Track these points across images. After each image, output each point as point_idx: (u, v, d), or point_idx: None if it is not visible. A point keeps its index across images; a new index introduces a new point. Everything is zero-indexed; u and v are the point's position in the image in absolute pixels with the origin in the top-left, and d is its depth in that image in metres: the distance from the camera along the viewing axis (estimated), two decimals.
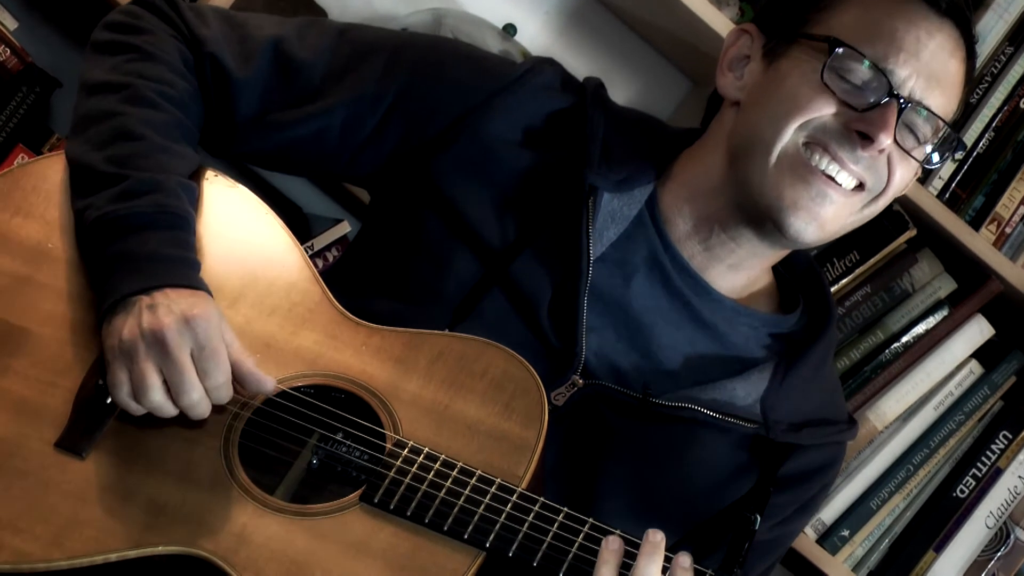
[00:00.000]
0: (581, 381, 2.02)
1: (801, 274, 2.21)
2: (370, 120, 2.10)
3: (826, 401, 2.16)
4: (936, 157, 2.03)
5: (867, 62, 1.95)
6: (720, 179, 2.05)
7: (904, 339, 2.79)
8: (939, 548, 2.78)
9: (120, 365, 1.84)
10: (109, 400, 1.87)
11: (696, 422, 2.02)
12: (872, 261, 2.78)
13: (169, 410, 1.84)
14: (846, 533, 2.75)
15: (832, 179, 1.97)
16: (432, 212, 2.07)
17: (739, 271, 2.10)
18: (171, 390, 1.83)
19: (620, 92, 3.06)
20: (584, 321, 2.01)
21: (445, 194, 2.07)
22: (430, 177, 2.08)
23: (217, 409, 1.88)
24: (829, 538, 2.75)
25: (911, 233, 2.77)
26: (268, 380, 1.87)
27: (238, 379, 1.86)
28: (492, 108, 2.09)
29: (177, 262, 1.89)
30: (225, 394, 1.85)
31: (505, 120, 2.09)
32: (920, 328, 2.80)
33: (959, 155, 2.62)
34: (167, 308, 1.83)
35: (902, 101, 1.95)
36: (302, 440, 1.91)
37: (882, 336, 2.79)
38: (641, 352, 2.06)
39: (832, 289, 2.74)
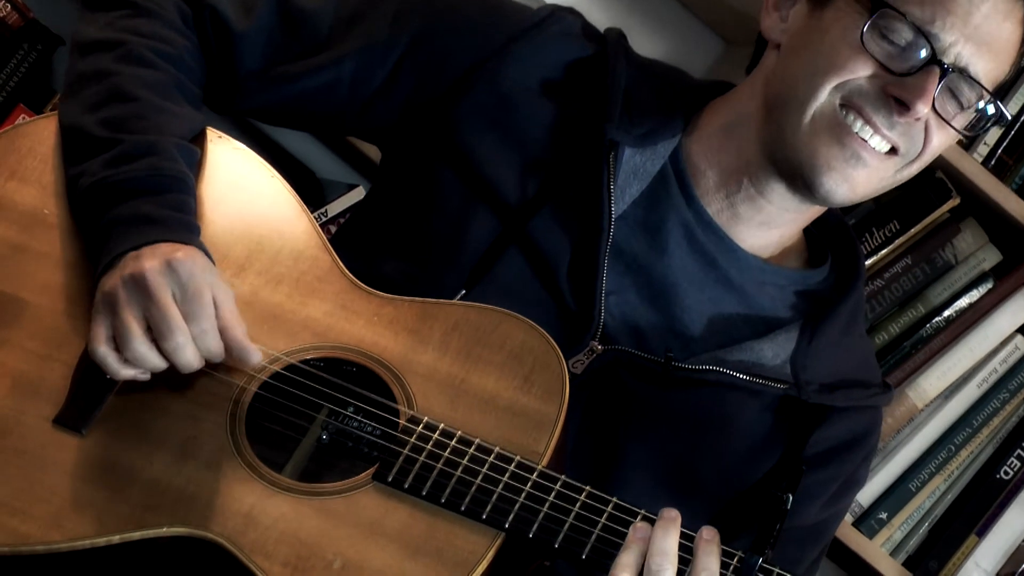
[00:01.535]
0: (600, 347, 2.02)
1: (831, 229, 2.21)
2: (381, 71, 2.11)
3: (858, 363, 2.16)
4: (979, 125, 2.02)
5: (911, 24, 1.95)
6: (755, 127, 2.05)
7: (946, 313, 2.79)
8: (981, 532, 2.78)
9: (100, 317, 1.84)
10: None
11: (723, 385, 2.02)
12: (913, 231, 2.78)
13: (154, 361, 1.83)
14: (884, 516, 2.75)
15: (866, 141, 1.97)
16: (447, 167, 2.08)
17: (770, 228, 2.10)
18: (154, 335, 1.82)
19: (648, 51, 3.03)
20: (604, 283, 2.02)
21: (460, 147, 2.07)
22: (444, 129, 2.08)
23: (222, 384, 1.88)
24: (866, 521, 2.75)
25: (954, 202, 2.76)
26: (254, 352, 1.86)
27: (226, 347, 1.86)
28: (509, 55, 2.09)
29: (172, 223, 1.89)
30: (212, 342, 1.84)
31: (522, 68, 2.10)
32: (963, 301, 2.80)
33: (1001, 125, 2.60)
34: (151, 254, 1.83)
35: (945, 67, 1.94)
36: (311, 415, 1.91)
37: (923, 310, 2.79)
38: (663, 314, 2.06)
39: (871, 260, 2.75)
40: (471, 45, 2.10)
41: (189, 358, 1.83)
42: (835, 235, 2.20)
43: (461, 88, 2.08)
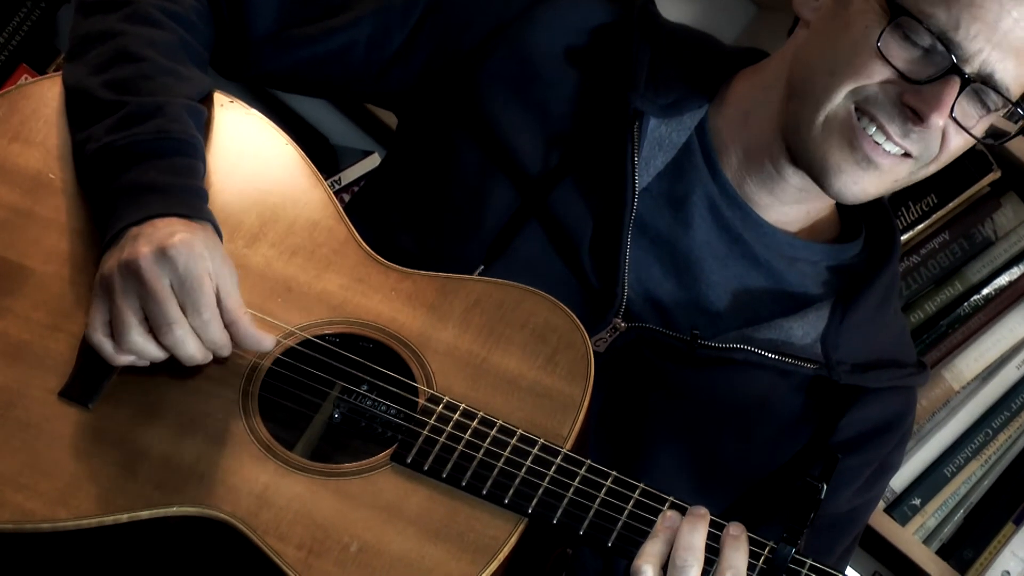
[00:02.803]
0: (623, 324, 2.03)
1: (866, 202, 2.19)
2: (398, 34, 2.11)
3: (892, 342, 2.16)
4: (1003, 133, 2.01)
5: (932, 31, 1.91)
6: (777, 107, 2.04)
7: (985, 291, 2.80)
8: (1019, 520, 2.78)
9: (98, 303, 1.84)
10: None
11: (750, 364, 2.03)
12: (951, 206, 2.78)
13: (153, 352, 1.83)
14: (917, 502, 2.76)
15: (879, 145, 1.95)
16: (466, 134, 2.08)
17: (794, 204, 2.10)
18: (152, 328, 1.82)
19: (677, 16, 3.04)
20: (627, 258, 2.02)
21: (480, 114, 2.07)
22: (464, 95, 2.09)
23: (235, 358, 1.89)
24: (899, 507, 2.76)
25: (995, 175, 2.77)
26: (267, 338, 1.87)
27: (234, 340, 1.86)
28: (532, 19, 2.10)
29: (179, 190, 1.89)
30: (216, 333, 1.83)
31: (546, 33, 2.10)
32: (1003, 279, 2.80)
33: None
34: (147, 238, 1.82)
35: (967, 76, 1.90)
36: (324, 392, 1.92)
37: (961, 288, 2.79)
38: (688, 291, 2.07)
39: (907, 236, 2.75)
40: (493, 7, 2.10)
41: (191, 351, 1.83)
42: (869, 207, 2.19)
43: (482, 52, 2.09)
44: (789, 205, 2.09)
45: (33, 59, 2.72)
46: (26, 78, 2.69)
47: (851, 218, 2.20)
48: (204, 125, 2.00)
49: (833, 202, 2.15)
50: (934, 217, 2.78)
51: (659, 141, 2.08)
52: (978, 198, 2.80)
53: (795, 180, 2.05)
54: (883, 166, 1.97)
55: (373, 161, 2.86)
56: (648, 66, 2.08)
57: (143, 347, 1.83)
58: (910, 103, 1.92)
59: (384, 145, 3.03)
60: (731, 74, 2.14)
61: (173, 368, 1.87)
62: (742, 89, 2.11)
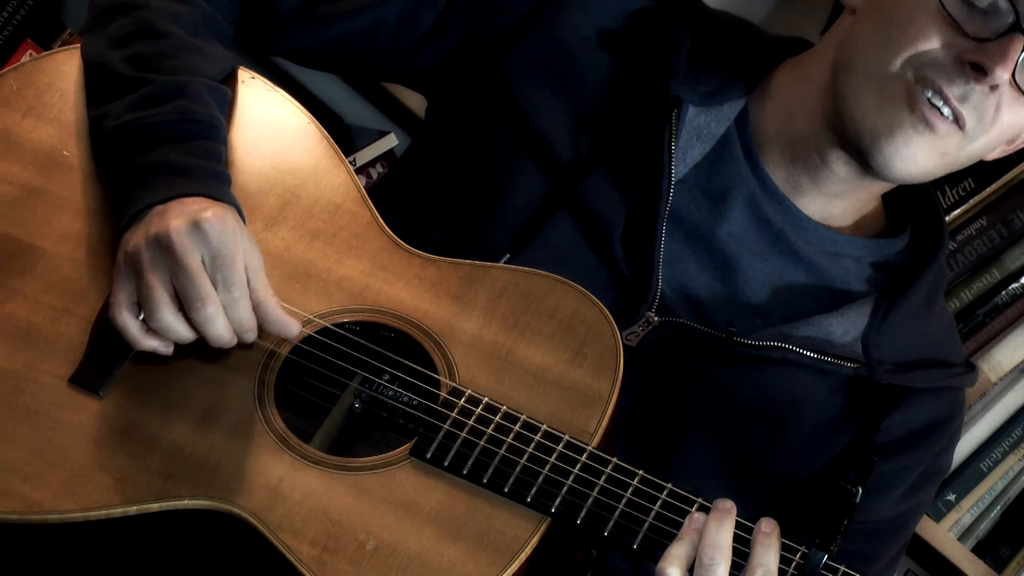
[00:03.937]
0: (656, 318, 2.01)
1: (912, 194, 2.17)
2: (429, 13, 2.10)
3: (938, 341, 2.13)
4: None
5: None
6: (821, 97, 2.02)
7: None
8: None
9: (123, 280, 1.82)
10: None
11: (787, 363, 2.00)
12: (989, 190, 2.76)
13: (182, 332, 1.81)
14: (952, 498, 2.74)
15: (936, 108, 1.92)
16: (497, 119, 2.07)
17: (838, 199, 2.08)
18: (183, 304, 1.80)
19: None
20: (661, 250, 2.00)
21: (511, 98, 2.06)
22: (495, 79, 2.08)
23: (251, 346, 1.86)
24: (933, 503, 2.74)
25: None
26: (292, 324, 1.84)
27: (260, 320, 1.83)
28: (566, 3, 2.09)
29: (201, 173, 1.88)
30: (243, 313, 1.81)
31: (582, 17, 2.09)
32: None
33: None
34: (177, 211, 1.81)
35: None
36: (343, 383, 1.90)
37: (999, 275, 2.77)
38: (725, 286, 2.05)
39: None
40: None
41: (220, 330, 1.81)
42: (916, 200, 2.17)
43: (514, 35, 2.08)
44: (831, 198, 2.07)
45: (38, 34, 2.71)
46: (31, 53, 2.68)
47: (897, 212, 2.17)
48: (227, 106, 1.99)
49: (878, 195, 2.13)
50: (971, 202, 2.76)
51: (697, 131, 2.06)
52: (1017, 183, 2.77)
53: (841, 170, 2.02)
54: (939, 129, 1.92)
55: (389, 141, 2.86)
56: (688, 52, 2.06)
57: (173, 325, 1.80)
58: (971, 59, 1.89)
59: (400, 125, 3.03)
60: (774, 65, 2.12)
61: (188, 356, 1.86)
62: (784, 82, 2.09)
